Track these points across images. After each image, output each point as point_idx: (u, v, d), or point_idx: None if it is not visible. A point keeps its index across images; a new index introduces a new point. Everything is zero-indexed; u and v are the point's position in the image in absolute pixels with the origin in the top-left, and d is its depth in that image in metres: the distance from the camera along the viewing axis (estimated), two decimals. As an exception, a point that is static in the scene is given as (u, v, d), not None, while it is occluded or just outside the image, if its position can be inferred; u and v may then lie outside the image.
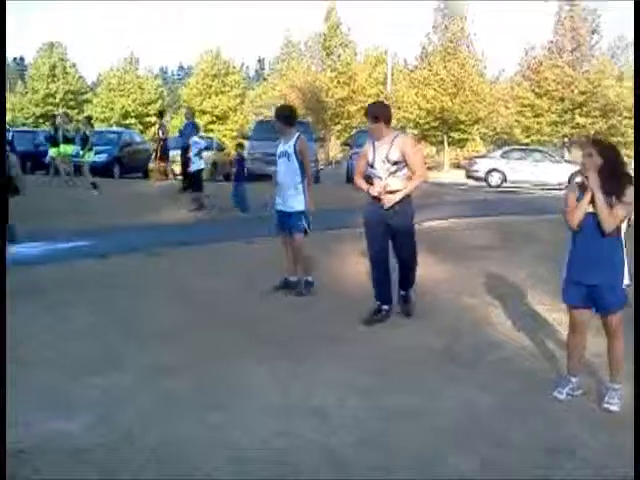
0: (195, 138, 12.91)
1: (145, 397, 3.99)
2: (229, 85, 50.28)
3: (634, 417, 3.69)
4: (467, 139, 41.36)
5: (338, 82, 40.11)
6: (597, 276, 3.95)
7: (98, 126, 31.97)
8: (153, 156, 18.21)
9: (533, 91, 36.88)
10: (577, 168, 22.47)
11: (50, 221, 9.91)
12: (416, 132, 38.56)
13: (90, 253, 8.01)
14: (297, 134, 6.48)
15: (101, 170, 16.79)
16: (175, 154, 16.36)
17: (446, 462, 3.31)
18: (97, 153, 16.43)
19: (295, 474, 3.17)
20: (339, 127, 42.17)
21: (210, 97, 48.93)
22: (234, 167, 13.49)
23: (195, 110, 20.00)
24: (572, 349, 4.21)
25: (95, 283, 6.59)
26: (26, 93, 50.56)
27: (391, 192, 5.38)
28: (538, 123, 36.87)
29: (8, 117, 38.46)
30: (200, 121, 30.20)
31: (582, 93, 35.53)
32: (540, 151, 24.66)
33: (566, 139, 38.29)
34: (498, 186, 21.70)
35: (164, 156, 17.12)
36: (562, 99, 36.04)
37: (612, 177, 3.88)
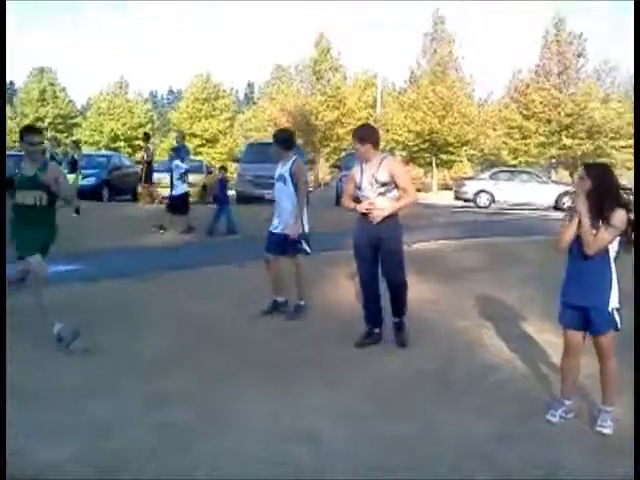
0: (177, 162, 12.87)
1: (135, 424, 3.94)
2: (219, 109, 50.61)
3: (634, 417, 3.67)
4: (455, 161, 41.71)
5: (328, 105, 40.42)
6: (587, 299, 3.96)
7: (87, 150, 31.97)
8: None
9: (521, 113, 37.35)
10: (565, 189, 22.59)
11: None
12: (404, 154, 38.87)
13: (80, 277, 7.93)
14: (294, 157, 6.48)
15: (90, 193, 16.75)
16: (162, 177, 16.38)
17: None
18: (85, 177, 16.41)
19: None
20: (328, 149, 42.41)
21: (200, 120, 49.20)
22: (216, 191, 13.42)
23: (185, 133, 20.06)
24: (566, 372, 4.20)
25: (85, 308, 6.51)
26: (15, 117, 50.58)
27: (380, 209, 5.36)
28: (525, 145, 37.32)
29: None
30: (190, 144, 30.30)
31: (569, 115, 36.01)
32: (528, 172, 24.89)
33: (553, 160, 38.71)
34: (487, 207, 21.86)
35: (148, 179, 17.14)
36: (549, 121, 36.51)
37: (601, 200, 3.89)
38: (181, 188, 12.61)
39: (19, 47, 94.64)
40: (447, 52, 38.65)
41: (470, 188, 23.12)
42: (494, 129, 40.14)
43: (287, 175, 6.36)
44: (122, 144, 48.64)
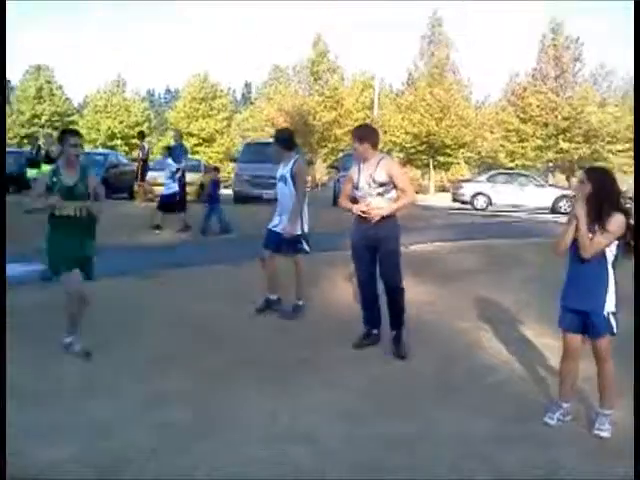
0: (168, 160, 12.83)
1: (134, 424, 3.94)
2: (216, 108, 50.54)
3: (634, 417, 3.68)
4: (452, 163, 41.76)
5: (325, 106, 40.43)
6: (585, 302, 3.98)
7: (84, 147, 31.81)
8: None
9: (518, 116, 37.43)
10: (562, 192, 22.62)
11: (33, 242, 9.76)
12: (402, 156, 38.90)
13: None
14: (295, 157, 6.48)
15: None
16: (158, 175, 16.37)
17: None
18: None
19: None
20: (326, 150, 42.39)
21: (197, 120, 49.14)
22: (209, 190, 13.35)
23: (182, 133, 20.04)
24: (564, 375, 4.21)
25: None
26: (11, 114, 50.44)
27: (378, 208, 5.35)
28: (523, 148, 37.38)
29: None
30: (187, 143, 30.25)
31: (565, 119, 36.10)
32: (525, 175, 24.95)
33: (550, 164, 38.80)
34: (484, 209, 21.90)
35: (143, 177, 17.11)
36: (546, 124, 36.59)
37: (600, 205, 3.90)
38: (171, 188, 12.59)
39: (17, 46, 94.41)
40: (444, 55, 38.71)
41: (467, 190, 23.18)
42: (491, 132, 40.24)
43: (288, 176, 6.36)
44: (119, 142, 48.55)
